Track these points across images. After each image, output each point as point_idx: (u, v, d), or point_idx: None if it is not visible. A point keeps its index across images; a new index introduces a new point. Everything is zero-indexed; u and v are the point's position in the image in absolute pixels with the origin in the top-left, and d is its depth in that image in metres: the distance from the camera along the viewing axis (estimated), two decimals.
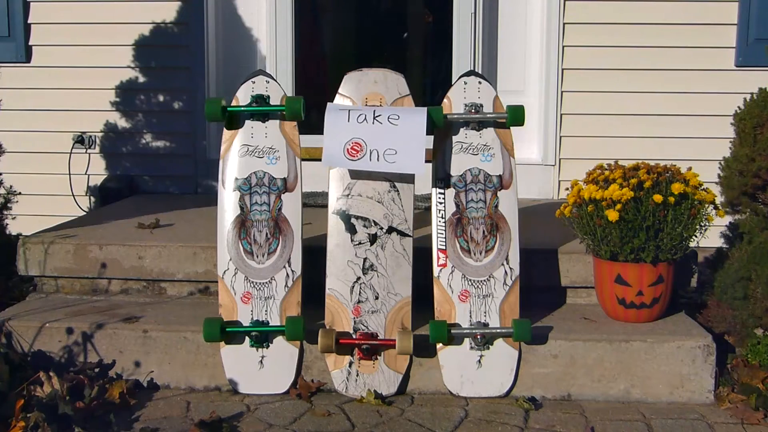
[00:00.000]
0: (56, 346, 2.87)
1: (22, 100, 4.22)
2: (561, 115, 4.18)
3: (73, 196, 4.30)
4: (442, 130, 2.86)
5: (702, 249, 3.17)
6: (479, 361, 2.76)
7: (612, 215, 2.76)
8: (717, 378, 2.77)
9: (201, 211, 3.76)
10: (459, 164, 2.86)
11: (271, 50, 4.35)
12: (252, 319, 2.81)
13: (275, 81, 2.91)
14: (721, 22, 4.06)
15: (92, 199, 4.36)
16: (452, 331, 2.75)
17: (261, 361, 2.79)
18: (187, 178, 4.37)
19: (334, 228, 2.81)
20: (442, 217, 2.84)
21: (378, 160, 2.73)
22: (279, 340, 2.80)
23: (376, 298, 2.79)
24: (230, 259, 2.83)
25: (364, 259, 2.80)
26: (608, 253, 2.86)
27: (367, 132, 2.74)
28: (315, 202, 3.80)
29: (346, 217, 2.81)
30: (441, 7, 4.86)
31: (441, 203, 2.84)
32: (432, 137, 2.88)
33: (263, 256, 2.83)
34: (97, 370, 2.82)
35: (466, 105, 2.87)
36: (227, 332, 2.77)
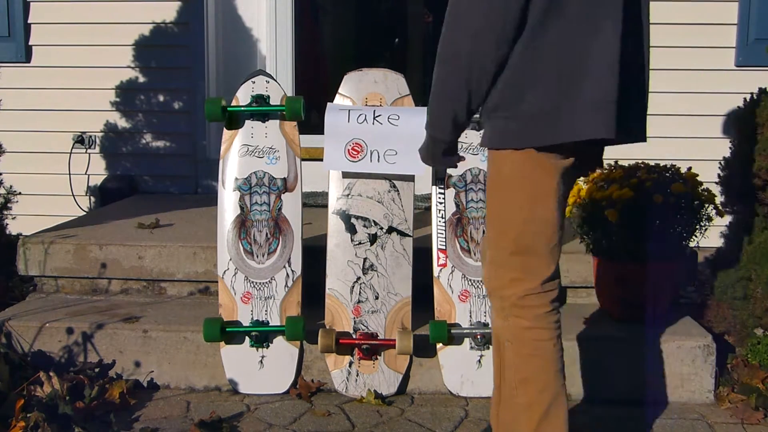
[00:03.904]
0: (56, 346, 2.87)
1: (22, 100, 4.22)
2: None
3: (73, 196, 4.30)
4: None
5: (702, 249, 3.17)
6: (479, 361, 2.76)
7: (612, 215, 2.76)
8: (717, 378, 2.77)
9: (201, 211, 3.76)
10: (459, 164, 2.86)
11: (271, 50, 4.35)
12: (252, 319, 2.81)
13: (275, 81, 2.91)
14: (721, 22, 4.06)
15: (92, 199, 4.36)
16: (452, 331, 2.75)
17: (261, 361, 2.79)
18: (187, 178, 4.37)
19: (334, 228, 2.81)
20: (442, 217, 2.84)
21: (378, 161, 2.74)
22: (279, 340, 2.80)
23: (376, 298, 2.79)
24: (230, 259, 2.83)
25: (364, 259, 2.80)
26: (608, 253, 2.86)
27: (368, 132, 2.74)
28: (315, 202, 3.80)
29: (346, 217, 2.81)
30: (441, 7, 4.85)
31: (441, 203, 2.84)
32: None
33: (263, 256, 2.83)
34: (97, 370, 2.82)
35: None
36: (227, 332, 2.77)
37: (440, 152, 2.01)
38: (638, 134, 1.99)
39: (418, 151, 2.10)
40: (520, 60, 1.82)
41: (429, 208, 2.93)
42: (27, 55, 4.29)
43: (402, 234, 2.81)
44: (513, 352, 1.97)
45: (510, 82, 1.84)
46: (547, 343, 1.95)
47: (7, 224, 3.53)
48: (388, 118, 2.75)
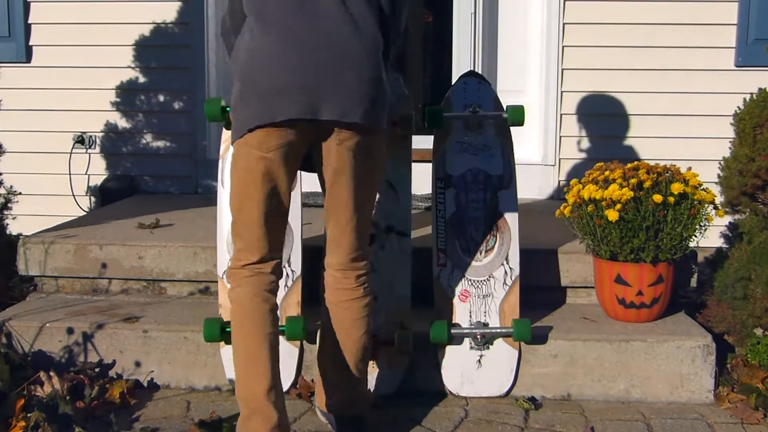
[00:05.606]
0: (56, 346, 2.87)
1: (22, 100, 4.22)
2: (561, 115, 4.18)
3: (74, 196, 4.30)
4: (442, 130, 2.87)
5: (702, 249, 3.17)
6: (479, 361, 2.76)
7: (612, 215, 2.76)
8: (717, 378, 2.77)
9: (201, 211, 3.76)
10: (459, 164, 2.86)
11: None
12: None
13: None
14: (721, 22, 4.06)
15: (92, 199, 4.36)
16: (452, 331, 2.75)
17: None
18: (187, 178, 4.37)
19: None
20: (442, 217, 2.84)
21: None
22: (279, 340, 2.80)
23: (376, 298, 2.79)
24: (230, 259, 2.82)
25: None
26: (608, 253, 2.86)
27: None
28: (315, 202, 3.80)
29: None
30: (441, 7, 4.86)
31: (441, 203, 2.84)
32: (432, 137, 2.88)
33: None
34: (97, 370, 2.82)
35: (466, 105, 2.87)
36: (227, 332, 2.77)
37: None
38: (357, 114, 2.16)
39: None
40: (242, 54, 2.20)
41: (429, 208, 2.93)
42: (27, 55, 4.29)
43: (401, 234, 2.81)
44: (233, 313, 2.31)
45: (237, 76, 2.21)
46: (251, 302, 2.28)
47: (7, 224, 3.53)
48: None
